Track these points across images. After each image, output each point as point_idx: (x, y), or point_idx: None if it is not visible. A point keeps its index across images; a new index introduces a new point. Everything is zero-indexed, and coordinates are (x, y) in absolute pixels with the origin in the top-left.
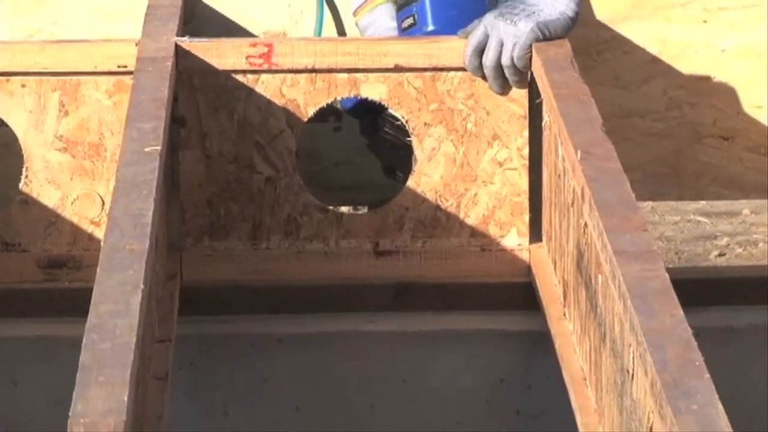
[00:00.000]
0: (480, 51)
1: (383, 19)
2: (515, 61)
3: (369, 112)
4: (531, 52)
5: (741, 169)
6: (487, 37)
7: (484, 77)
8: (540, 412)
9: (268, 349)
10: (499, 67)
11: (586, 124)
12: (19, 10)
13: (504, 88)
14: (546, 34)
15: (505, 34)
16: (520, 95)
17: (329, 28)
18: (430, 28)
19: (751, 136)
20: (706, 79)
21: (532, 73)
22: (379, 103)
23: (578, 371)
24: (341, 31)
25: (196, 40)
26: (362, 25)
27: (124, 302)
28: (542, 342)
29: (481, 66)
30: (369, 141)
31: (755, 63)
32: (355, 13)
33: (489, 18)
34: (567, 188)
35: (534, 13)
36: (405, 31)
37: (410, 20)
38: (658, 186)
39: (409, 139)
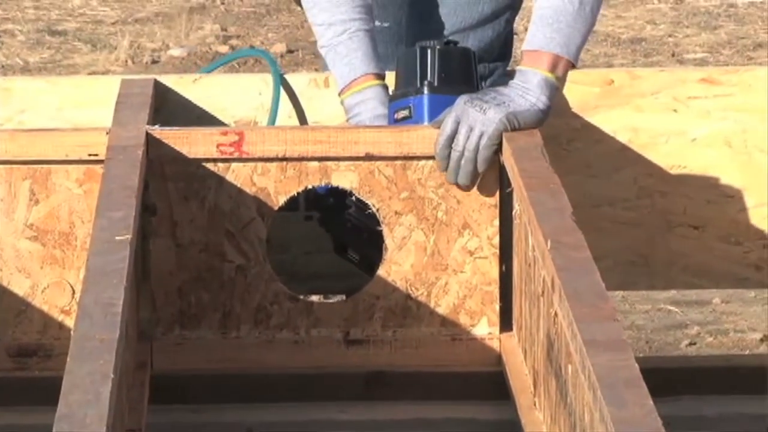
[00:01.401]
0: (452, 140)
1: (372, 102)
2: (480, 149)
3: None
4: (498, 143)
5: (712, 258)
6: (458, 125)
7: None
8: None
9: None
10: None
11: (556, 213)
12: None
13: (469, 178)
14: (515, 125)
15: (473, 120)
16: (490, 184)
17: (293, 116)
18: (426, 123)
19: (721, 225)
20: (677, 168)
21: (502, 163)
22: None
23: None
24: (301, 117)
25: (167, 128)
26: (348, 104)
27: (94, 392)
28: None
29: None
30: (323, 215)
31: (726, 152)
32: (341, 92)
33: (459, 105)
34: (537, 277)
35: (504, 103)
36: (397, 122)
37: (405, 112)
38: (628, 275)
39: (379, 228)
